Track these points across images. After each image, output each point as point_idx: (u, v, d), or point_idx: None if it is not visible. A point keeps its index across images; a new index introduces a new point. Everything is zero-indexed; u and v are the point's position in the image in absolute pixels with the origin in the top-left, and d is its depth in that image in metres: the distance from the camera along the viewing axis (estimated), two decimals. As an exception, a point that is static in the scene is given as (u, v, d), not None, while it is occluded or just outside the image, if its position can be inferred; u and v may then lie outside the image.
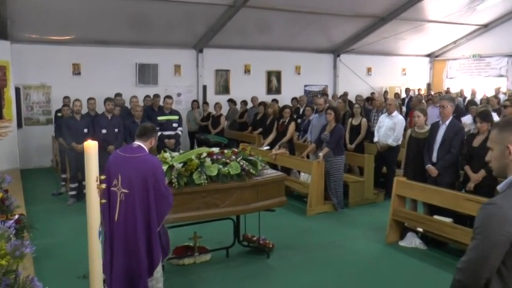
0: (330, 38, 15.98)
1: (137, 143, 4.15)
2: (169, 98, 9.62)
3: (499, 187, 2.21)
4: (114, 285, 4.02)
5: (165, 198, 4.06)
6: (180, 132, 9.45)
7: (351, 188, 8.37)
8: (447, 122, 6.31)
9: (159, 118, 9.14)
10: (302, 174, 8.52)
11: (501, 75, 17.70)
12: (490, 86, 16.90)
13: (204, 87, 14.37)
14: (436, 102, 10.55)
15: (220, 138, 11.66)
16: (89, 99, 9.11)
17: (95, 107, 9.08)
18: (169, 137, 9.12)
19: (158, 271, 4.17)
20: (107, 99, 8.94)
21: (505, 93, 15.24)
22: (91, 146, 2.52)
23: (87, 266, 2.68)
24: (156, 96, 11.06)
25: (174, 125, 9.29)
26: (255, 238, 6.04)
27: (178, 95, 13.74)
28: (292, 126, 9.13)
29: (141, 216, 3.96)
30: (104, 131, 8.56)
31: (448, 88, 17.94)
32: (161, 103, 10.35)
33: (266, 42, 14.75)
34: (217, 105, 12.46)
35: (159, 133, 9.00)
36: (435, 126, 6.48)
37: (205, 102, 13.34)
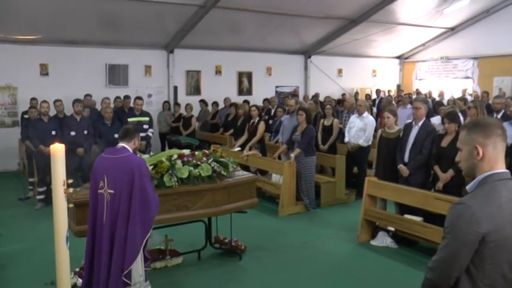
0: (301, 39, 16.07)
1: (121, 144, 4.22)
2: (140, 99, 9.50)
3: (467, 187, 2.23)
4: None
5: (152, 197, 4.12)
6: (150, 134, 9.35)
7: (323, 189, 8.41)
8: (420, 123, 6.42)
9: (130, 119, 9.01)
10: (274, 175, 8.53)
11: (467, 77, 18.17)
12: (457, 87, 17.33)
13: (175, 88, 14.24)
14: (406, 103, 10.72)
15: (191, 139, 11.58)
16: (56, 101, 8.92)
17: (62, 108, 8.88)
18: (140, 138, 8.96)
19: (141, 275, 4.19)
20: (76, 101, 8.75)
21: (471, 95, 15.61)
22: (58, 150, 2.46)
23: (54, 273, 2.61)
24: (127, 97, 10.92)
25: (145, 126, 9.18)
26: (227, 240, 6.00)
27: (149, 96, 13.58)
28: (261, 126, 9.13)
29: (126, 215, 4.01)
30: (72, 133, 8.39)
31: (417, 89, 18.28)
32: (132, 104, 10.21)
33: (237, 43, 14.73)
34: (188, 106, 12.37)
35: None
36: (408, 127, 6.58)
37: (176, 103, 13.24)
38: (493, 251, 2.06)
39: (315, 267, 5.69)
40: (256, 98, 14.63)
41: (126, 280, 4.01)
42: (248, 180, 5.71)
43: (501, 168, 2.18)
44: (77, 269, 4.83)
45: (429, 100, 13.98)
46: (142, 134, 9.05)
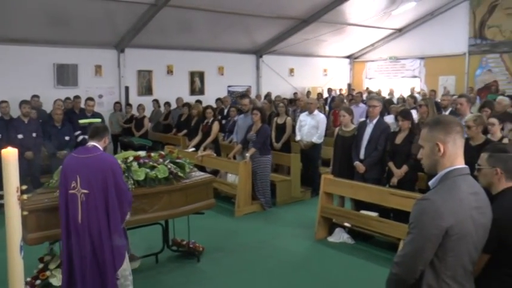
0: (253, 38, 16.11)
1: (92, 143, 4.18)
2: (91, 100, 9.22)
3: (430, 183, 2.30)
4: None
5: (126, 194, 4.15)
6: (103, 136, 9.09)
7: (278, 187, 8.45)
8: (374, 121, 6.57)
9: (81, 121, 8.68)
10: (229, 175, 8.50)
11: (415, 76, 18.83)
12: (406, 86, 17.92)
13: (127, 88, 13.95)
14: (358, 102, 10.95)
15: (144, 140, 11.35)
16: (1, 102, 8.52)
17: (8, 110, 8.50)
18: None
19: (126, 269, 4.20)
20: (23, 102, 8.40)
21: (419, 93, 16.15)
22: (10, 154, 2.33)
23: (6, 285, 2.47)
24: (77, 97, 10.56)
25: (97, 128, 8.90)
26: (184, 242, 5.92)
27: (100, 96, 13.21)
28: (215, 126, 9.07)
29: (103, 214, 3.98)
30: (20, 136, 8.04)
31: (367, 88, 18.72)
32: (82, 105, 9.89)
33: (189, 43, 14.60)
34: (141, 107, 12.14)
35: (81, 137, 8.62)
36: (362, 125, 6.73)
37: (128, 104, 12.96)
38: (455, 243, 2.14)
39: (273, 265, 5.70)
40: (209, 98, 14.58)
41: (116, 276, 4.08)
42: (205, 181, 5.64)
43: (460, 163, 2.25)
44: (29, 279, 4.62)
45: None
46: (94, 136, 8.79)
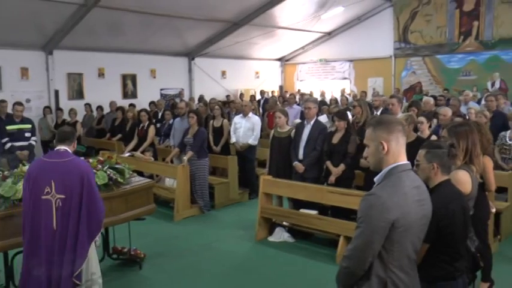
0: (185, 41, 16.03)
1: (63, 147, 4.10)
2: (20, 104, 8.70)
3: (375, 179, 2.42)
4: None
5: (99, 200, 4.11)
6: (34, 143, 8.59)
7: (217, 190, 8.46)
8: (311, 122, 6.75)
9: (9, 127, 8.21)
10: (167, 179, 8.41)
11: (345, 78, 19.54)
12: (336, 87, 18.52)
13: (56, 92, 13.42)
14: (292, 104, 11.19)
15: (77, 146, 10.91)
16: None
17: None
18: (21, 148, 8.25)
19: (95, 272, 4.14)
20: None
21: (349, 94, 16.75)
22: None
23: None
24: (3, 101, 10.01)
25: (27, 134, 8.42)
26: (125, 250, 5.79)
27: (27, 101, 12.56)
28: (151, 130, 8.95)
29: (76, 219, 3.91)
30: None
31: (299, 90, 19.14)
32: (10, 110, 9.37)
33: (120, 45, 14.30)
34: (72, 111, 11.72)
35: (9, 144, 8.19)
36: (300, 126, 6.88)
37: (58, 109, 12.47)
38: (400, 235, 2.27)
39: (216, 268, 5.72)
40: (142, 101, 14.34)
41: (75, 281, 3.94)
42: (145, 186, 5.55)
43: (403, 160, 2.40)
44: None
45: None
46: (24, 143, 8.35)
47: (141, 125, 9.03)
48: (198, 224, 7.56)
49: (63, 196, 3.92)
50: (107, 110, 13.02)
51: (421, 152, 3.00)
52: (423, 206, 2.39)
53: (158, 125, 10.84)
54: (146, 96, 14.91)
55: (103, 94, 13.80)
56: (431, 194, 2.59)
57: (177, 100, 14.50)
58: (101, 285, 4.23)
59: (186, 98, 16.33)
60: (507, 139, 6.96)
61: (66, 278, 3.91)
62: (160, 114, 11.82)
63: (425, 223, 2.42)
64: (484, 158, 4.50)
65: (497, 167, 6.69)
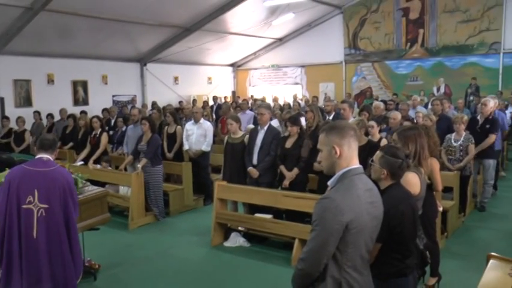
0: (136, 46, 15.87)
1: (46, 156, 4.05)
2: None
3: (329, 182, 2.50)
4: None
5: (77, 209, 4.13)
6: (-24, 152, 8.36)
7: (171, 196, 8.40)
8: (265, 128, 6.81)
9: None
10: (121, 187, 8.27)
11: (297, 83, 19.85)
12: (289, 92, 18.77)
13: (1, 100, 12.91)
14: (244, 109, 11.26)
15: (26, 156, 10.45)
16: None
17: None
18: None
19: None
20: None
21: (301, 99, 17.00)
22: None
23: None
24: None
25: (-28, 144, 8.16)
26: (79, 260, 5.66)
27: (-30, 109, 12.12)
28: (104, 137, 8.80)
29: (63, 229, 3.87)
30: None
31: (252, 95, 19.28)
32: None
33: (70, 50, 13.97)
34: (20, 120, 11.26)
35: (-47, 154, 7.86)
36: (254, 132, 6.93)
37: (4, 117, 11.97)
38: (354, 236, 2.35)
39: (172, 276, 5.68)
40: (94, 108, 14.00)
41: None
42: (99, 195, 5.46)
43: (356, 164, 2.49)
44: None
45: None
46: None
47: (94, 133, 8.86)
48: (153, 231, 7.48)
49: (46, 206, 3.88)
50: (57, 117, 12.64)
51: (378, 154, 3.11)
52: (375, 207, 2.48)
53: (111, 132, 10.66)
54: (98, 103, 14.61)
55: (53, 101, 13.41)
56: (382, 196, 2.70)
57: (129, 106, 14.29)
58: None
59: (138, 104, 16.14)
60: (452, 141, 7.29)
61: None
62: (113, 121, 11.61)
63: (377, 224, 2.52)
64: (431, 160, 4.71)
65: (444, 167, 7.02)
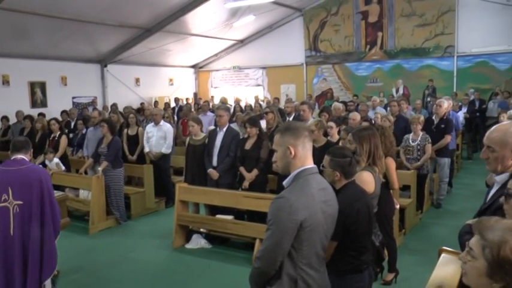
0: (96, 47, 15.62)
1: (19, 156, 4.13)
2: None
3: (284, 182, 2.56)
4: None
5: (57, 206, 4.18)
6: None
7: (133, 199, 8.32)
8: (224, 129, 6.84)
9: None
10: (81, 191, 8.12)
11: (258, 85, 19.97)
12: (250, 94, 18.86)
13: (-48, 102, 12.49)
14: (206, 111, 11.26)
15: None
16: None
17: None
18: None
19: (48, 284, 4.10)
20: None
21: (263, 101, 17.11)
22: None
23: None
24: None
25: None
26: (37, 267, 5.55)
27: None
28: (63, 140, 8.63)
29: (37, 224, 3.90)
30: None
31: (212, 97, 19.27)
32: None
33: (27, 50, 13.59)
34: (-28, 123, 10.95)
35: None
36: (213, 134, 6.95)
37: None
38: (308, 234, 2.41)
39: (134, 279, 5.64)
40: (53, 110, 13.71)
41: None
42: (58, 200, 5.33)
43: (310, 164, 2.55)
44: None
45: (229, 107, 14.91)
46: None
47: (52, 136, 8.67)
48: (115, 235, 7.39)
49: (21, 202, 3.95)
50: (13, 120, 12.29)
51: (326, 158, 3.19)
52: (329, 206, 2.55)
53: (71, 135, 10.44)
54: (57, 105, 14.26)
55: (8, 103, 12.99)
56: (338, 195, 2.78)
57: (90, 109, 14.05)
58: None
59: (99, 106, 15.88)
60: (410, 141, 7.51)
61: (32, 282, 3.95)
62: (73, 124, 11.38)
63: (332, 222, 2.59)
64: (387, 159, 4.86)
65: (402, 166, 7.23)
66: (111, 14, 13.13)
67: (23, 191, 3.96)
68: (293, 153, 2.49)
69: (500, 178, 2.49)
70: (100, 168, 7.64)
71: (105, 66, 16.94)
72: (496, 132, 2.50)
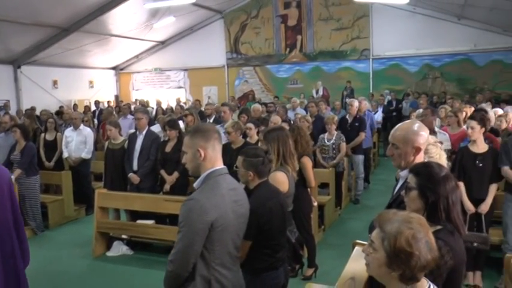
0: (8, 47, 14.80)
1: None
2: None
3: (194, 184, 2.58)
4: None
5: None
6: None
7: (50, 208, 7.96)
8: (144, 132, 6.73)
9: None
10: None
11: (180, 87, 19.84)
12: (172, 96, 18.69)
13: None
14: (126, 114, 11.02)
15: None
16: None
17: None
18: None
19: None
20: None
21: (185, 103, 17.00)
22: None
23: None
24: None
25: None
26: None
27: None
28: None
29: (8, 226, 3.53)
30: None
31: (136, 99, 18.90)
32: None
33: None
34: None
35: None
36: (133, 137, 6.82)
37: None
38: (220, 234, 2.45)
39: (51, 292, 5.43)
40: (-41, 116, 12.83)
41: None
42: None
43: (220, 165, 2.59)
44: None
45: (150, 109, 14.71)
46: None
47: (-44, 143, 8.12)
48: (31, 247, 6.85)
49: None
50: None
51: (240, 159, 3.25)
52: (240, 205, 2.61)
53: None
54: (-36, 109, 13.42)
55: None
56: (251, 195, 2.84)
57: (1, 113, 13.28)
58: None
59: (12, 110, 15.04)
60: (326, 141, 7.79)
61: None
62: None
63: (243, 221, 2.65)
64: (303, 158, 5.02)
65: (319, 165, 7.47)
66: (23, 11, 12.50)
67: None
68: (203, 155, 2.52)
69: (404, 173, 2.64)
70: (13, 177, 7.24)
71: (19, 67, 16.10)
72: (399, 130, 2.70)
